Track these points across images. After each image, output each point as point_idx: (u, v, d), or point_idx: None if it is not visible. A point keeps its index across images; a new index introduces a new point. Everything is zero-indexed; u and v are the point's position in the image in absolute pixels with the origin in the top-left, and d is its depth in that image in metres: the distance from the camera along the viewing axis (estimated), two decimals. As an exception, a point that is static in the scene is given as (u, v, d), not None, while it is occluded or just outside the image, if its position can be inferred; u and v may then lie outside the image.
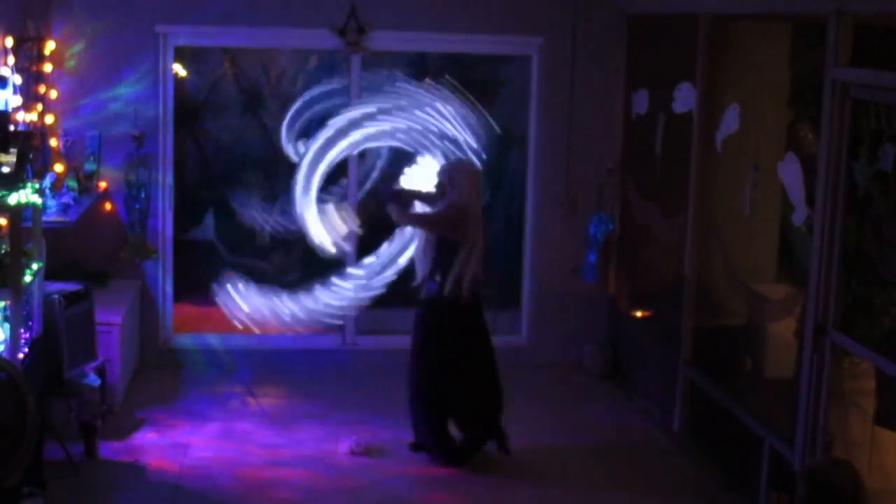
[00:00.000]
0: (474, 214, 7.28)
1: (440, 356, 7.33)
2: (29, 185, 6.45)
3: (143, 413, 8.05)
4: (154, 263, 9.00)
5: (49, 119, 8.45)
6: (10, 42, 7.62)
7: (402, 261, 8.24)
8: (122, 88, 8.78)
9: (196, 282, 9.62)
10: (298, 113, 8.79)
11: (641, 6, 8.87)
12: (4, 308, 6.38)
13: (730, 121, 7.29)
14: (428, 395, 7.38)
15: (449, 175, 7.37)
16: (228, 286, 8.00)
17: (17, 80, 7.61)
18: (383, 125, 8.25)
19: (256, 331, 8.21)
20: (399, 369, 7.72)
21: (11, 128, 6.72)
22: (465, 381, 7.37)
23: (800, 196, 6.43)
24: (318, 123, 8.70)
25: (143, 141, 8.79)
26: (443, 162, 7.86)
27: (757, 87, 7.39)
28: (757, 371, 7.44)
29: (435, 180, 7.52)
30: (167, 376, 8.83)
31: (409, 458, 7.48)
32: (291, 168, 8.60)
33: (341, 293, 8.18)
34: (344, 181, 9.09)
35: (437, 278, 7.30)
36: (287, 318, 8.01)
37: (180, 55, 9.21)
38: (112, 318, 7.92)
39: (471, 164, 7.73)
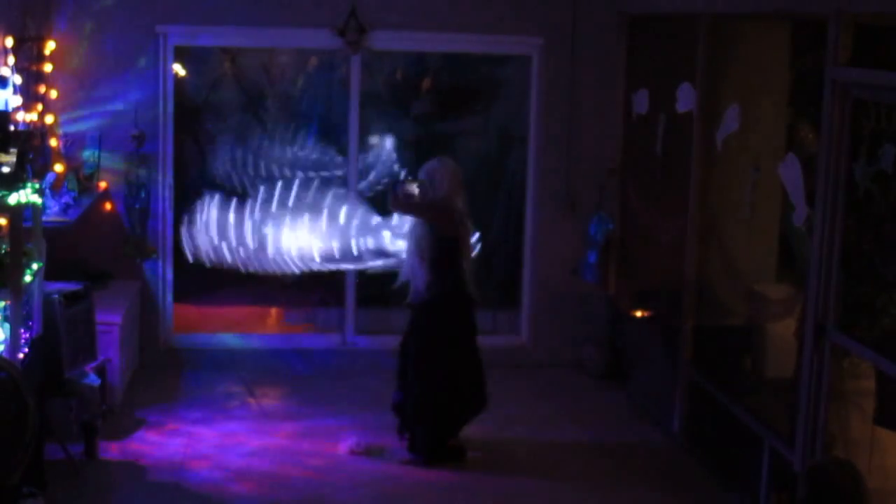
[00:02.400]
0: (458, 210, 7.45)
1: (447, 356, 7.41)
2: (29, 185, 6.45)
3: (143, 413, 8.05)
4: (154, 263, 9.00)
5: (49, 119, 8.45)
6: (10, 42, 7.62)
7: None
8: (122, 88, 8.78)
9: (196, 282, 9.63)
10: None
11: (641, 6, 8.87)
12: (4, 308, 6.37)
13: (730, 121, 7.29)
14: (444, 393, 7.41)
15: (430, 175, 7.48)
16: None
17: (17, 80, 7.60)
18: None
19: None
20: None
21: (11, 128, 6.71)
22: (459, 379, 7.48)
23: (800, 196, 6.43)
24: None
25: (143, 141, 8.79)
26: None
27: (757, 87, 7.39)
28: (757, 371, 7.43)
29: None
30: (167, 376, 8.83)
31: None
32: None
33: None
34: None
35: (439, 279, 7.35)
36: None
37: (180, 55, 9.21)
38: (112, 318, 7.92)
39: (451, 162, 7.67)
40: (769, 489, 6.57)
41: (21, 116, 7.67)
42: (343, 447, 7.58)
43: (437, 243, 7.37)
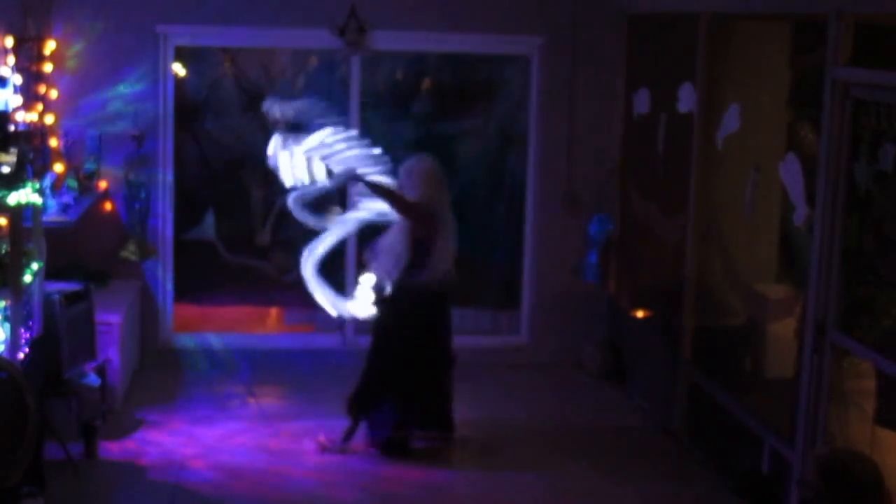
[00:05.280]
0: (440, 211, 7.39)
1: (414, 346, 7.44)
2: (29, 185, 6.45)
3: (143, 413, 8.05)
4: (154, 263, 9.00)
5: (49, 119, 8.45)
6: (10, 42, 7.62)
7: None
8: (122, 88, 8.79)
9: (196, 282, 9.64)
10: None
11: (641, 6, 8.87)
12: (4, 308, 6.37)
13: (730, 121, 7.29)
14: (406, 381, 7.44)
15: (407, 174, 7.43)
16: None
17: (17, 80, 7.60)
18: None
19: None
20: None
21: (11, 128, 6.72)
22: (428, 369, 7.52)
23: (800, 196, 6.43)
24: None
25: (143, 141, 8.80)
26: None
27: (757, 87, 7.39)
28: (757, 371, 7.44)
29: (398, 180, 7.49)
30: (167, 376, 8.83)
31: (408, 456, 7.50)
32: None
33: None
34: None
35: (411, 274, 7.37)
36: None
37: (180, 55, 9.21)
38: (112, 318, 7.92)
39: (429, 161, 7.58)
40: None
41: (21, 116, 7.67)
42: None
43: (419, 243, 7.34)
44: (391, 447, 7.45)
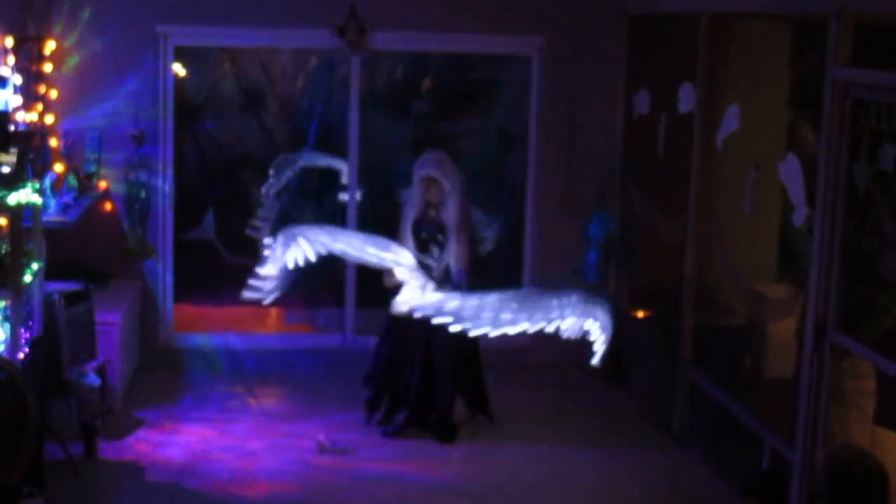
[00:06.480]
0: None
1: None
2: (29, 185, 6.45)
3: (143, 413, 8.05)
4: (154, 263, 9.00)
5: (49, 119, 8.45)
6: (10, 42, 7.62)
7: None
8: (122, 88, 8.79)
9: (196, 282, 9.64)
10: None
11: (641, 6, 8.87)
12: (4, 308, 6.37)
13: (730, 121, 7.29)
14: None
15: (446, 172, 7.73)
16: None
17: (17, 80, 7.60)
18: None
19: None
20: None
21: (11, 128, 6.72)
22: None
23: (800, 196, 6.43)
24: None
25: (143, 141, 8.80)
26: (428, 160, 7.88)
27: (757, 87, 7.39)
28: (757, 371, 7.44)
29: (432, 179, 7.75)
30: (167, 376, 8.83)
31: (408, 456, 7.53)
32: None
33: None
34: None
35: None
36: None
37: (180, 55, 9.22)
38: (112, 318, 7.92)
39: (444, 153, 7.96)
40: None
41: (21, 116, 7.67)
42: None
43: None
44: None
